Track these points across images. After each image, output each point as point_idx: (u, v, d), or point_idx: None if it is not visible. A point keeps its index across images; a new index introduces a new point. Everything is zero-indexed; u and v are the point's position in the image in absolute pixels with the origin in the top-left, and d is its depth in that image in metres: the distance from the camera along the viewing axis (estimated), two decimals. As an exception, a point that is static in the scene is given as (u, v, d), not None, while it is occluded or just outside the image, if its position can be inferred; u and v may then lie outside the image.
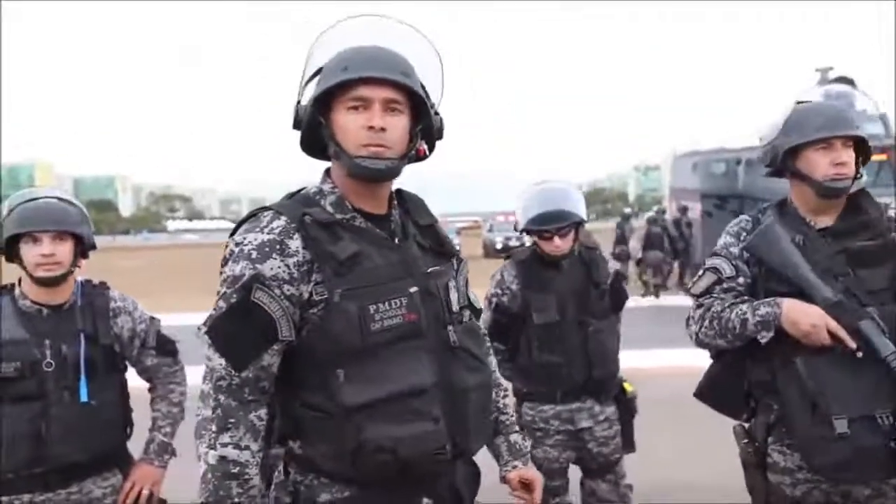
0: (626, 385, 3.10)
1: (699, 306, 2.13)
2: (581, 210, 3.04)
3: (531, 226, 3.01)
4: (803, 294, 1.99)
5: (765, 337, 2.00)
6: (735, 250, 2.14)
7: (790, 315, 1.96)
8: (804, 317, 1.94)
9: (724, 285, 2.11)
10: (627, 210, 21.32)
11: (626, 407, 3.08)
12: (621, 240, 16.70)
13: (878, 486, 1.98)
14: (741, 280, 2.11)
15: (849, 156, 2.04)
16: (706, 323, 2.10)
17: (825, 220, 2.09)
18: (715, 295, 2.11)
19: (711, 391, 2.22)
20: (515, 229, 3.12)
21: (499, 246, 27.03)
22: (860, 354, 1.90)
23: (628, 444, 3.09)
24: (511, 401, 1.86)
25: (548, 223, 2.98)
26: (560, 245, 2.98)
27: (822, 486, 2.01)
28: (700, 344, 2.17)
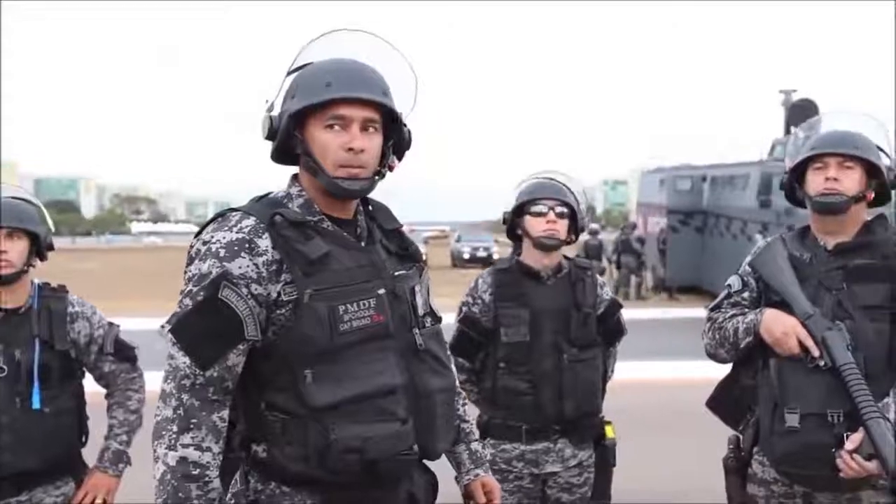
0: (608, 428, 2.67)
1: (708, 319, 2.25)
2: (580, 205, 2.68)
3: (524, 197, 2.61)
4: (788, 306, 2.09)
5: (747, 342, 2.12)
6: (748, 267, 2.26)
7: (766, 323, 2.08)
8: (778, 325, 2.05)
9: (732, 299, 2.23)
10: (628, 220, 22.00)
11: (603, 455, 2.65)
12: (626, 248, 17.09)
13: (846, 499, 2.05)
14: (746, 294, 2.22)
15: (844, 175, 2.10)
16: (710, 334, 2.22)
17: (836, 241, 2.16)
18: (723, 309, 2.24)
19: (718, 402, 2.29)
20: (504, 222, 2.70)
21: (466, 256, 27.09)
22: (822, 363, 1.99)
23: (600, 496, 2.66)
24: (473, 411, 1.85)
25: (544, 194, 2.59)
26: (555, 227, 2.56)
27: (795, 501, 2.10)
28: (709, 355, 2.28)
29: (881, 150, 2.16)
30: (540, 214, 2.59)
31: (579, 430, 2.61)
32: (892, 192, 2.21)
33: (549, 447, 2.59)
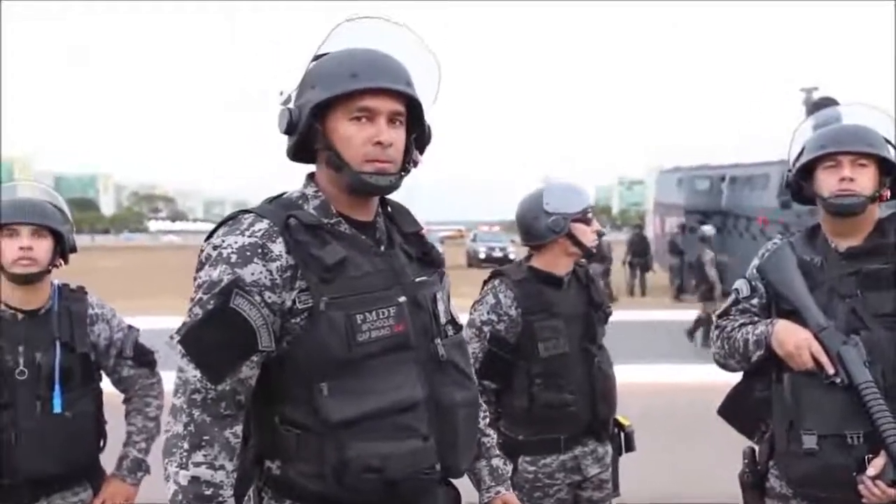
0: (622, 419, 2.67)
1: (717, 327, 2.17)
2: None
3: (568, 209, 2.52)
4: (800, 315, 2.00)
5: (758, 356, 2.02)
6: (756, 271, 2.16)
7: (778, 335, 1.98)
8: (790, 338, 1.96)
9: (740, 306, 2.13)
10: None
11: (628, 444, 2.65)
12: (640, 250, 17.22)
13: None
14: (755, 301, 2.12)
15: (859, 173, 2.00)
16: (719, 343, 2.14)
17: (849, 242, 2.06)
18: (731, 316, 2.14)
19: (730, 409, 2.21)
20: (537, 236, 2.55)
21: (482, 256, 27.07)
22: (838, 380, 1.91)
23: (615, 487, 2.67)
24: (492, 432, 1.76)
25: (584, 206, 2.55)
26: (595, 236, 2.59)
27: None
28: (719, 364, 2.18)
29: (889, 142, 2.04)
30: (585, 222, 2.57)
31: (607, 429, 2.60)
32: None
33: (584, 451, 2.54)
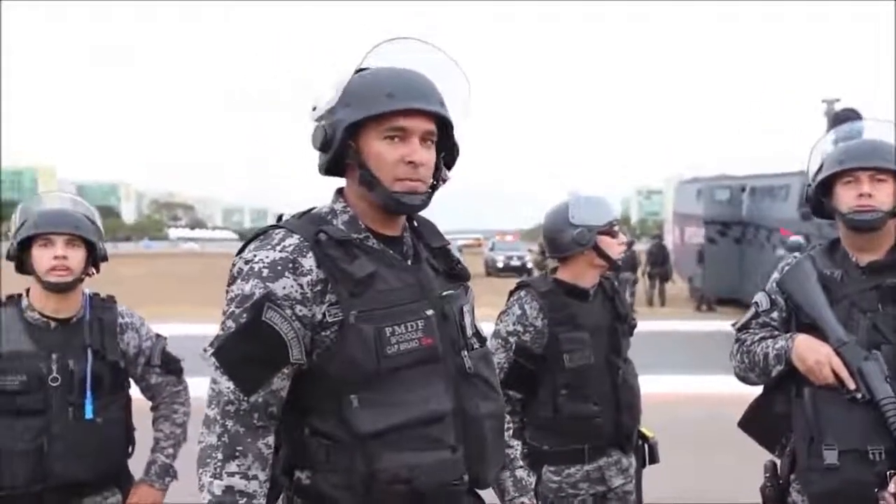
0: (645, 431, 2.68)
1: (737, 340, 2.18)
2: None
3: (594, 222, 2.53)
4: (821, 330, 2.00)
5: (779, 370, 2.03)
6: (776, 285, 2.16)
7: (798, 350, 1.98)
8: (811, 353, 1.96)
9: (760, 319, 2.14)
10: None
11: (651, 455, 2.66)
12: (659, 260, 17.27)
13: None
14: (775, 314, 2.13)
15: (877, 189, 2.00)
16: (739, 357, 2.15)
17: (869, 257, 2.06)
18: (751, 329, 2.15)
19: (751, 422, 2.21)
20: (562, 248, 2.56)
21: (500, 265, 27.07)
22: (859, 396, 1.91)
23: (638, 498, 2.68)
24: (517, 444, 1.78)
25: (609, 219, 2.58)
26: (622, 248, 2.62)
27: None
28: (739, 378, 2.19)
29: None
30: (612, 235, 2.59)
31: (631, 440, 2.61)
32: None
33: (609, 461, 2.54)
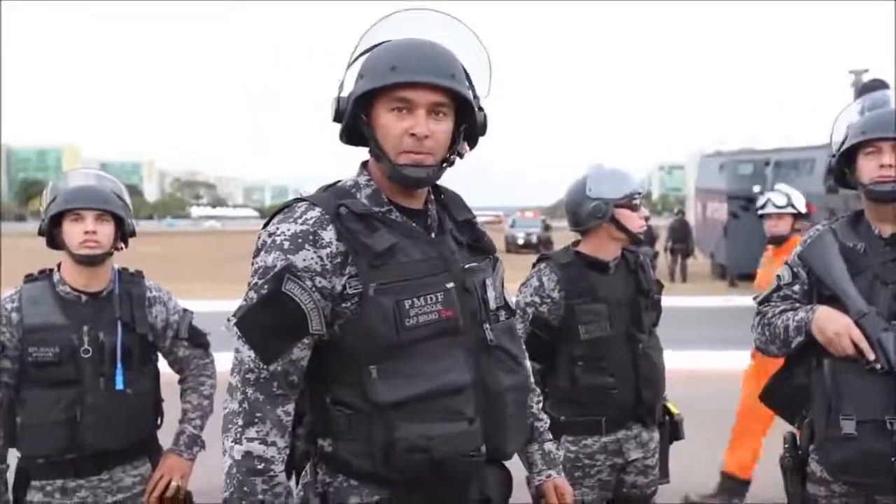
0: (671, 406, 2.69)
1: (758, 313, 2.18)
2: None
3: (610, 195, 2.53)
4: (841, 302, 1.99)
5: (799, 341, 2.03)
6: (798, 258, 2.16)
7: (819, 322, 1.99)
8: (831, 324, 1.96)
9: (782, 292, 2.15)
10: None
11: (674, 432, 2.69)
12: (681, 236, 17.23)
13: None
14: (797, 287, 2.13)
15: None
16: (760, 329, 2.16)
17: (893, 228, 2.05)
18: (773, 302, 2.15)
19: (772, 395, 2.22)
20: (580, 221, 2.57)
21: (521, 241, 27.07)
22: (878, 366, 1.90)
23: (664, 474, 2.69)
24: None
25: (628, 192, 2.54)
26: (642, 222, 2.59)
27: (855, 501, 2.00)
28: (759, 350, 2.21)
29: None
30: (634, 209, 2.57)
31: (653, 414, 2.61)
32: None
33: (628, 434, 2.56)
